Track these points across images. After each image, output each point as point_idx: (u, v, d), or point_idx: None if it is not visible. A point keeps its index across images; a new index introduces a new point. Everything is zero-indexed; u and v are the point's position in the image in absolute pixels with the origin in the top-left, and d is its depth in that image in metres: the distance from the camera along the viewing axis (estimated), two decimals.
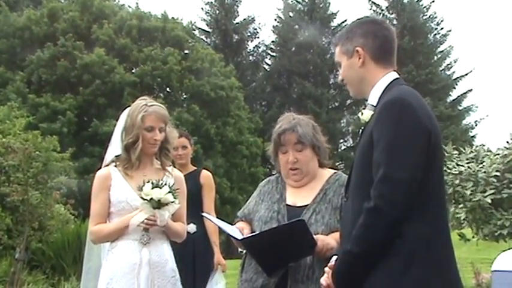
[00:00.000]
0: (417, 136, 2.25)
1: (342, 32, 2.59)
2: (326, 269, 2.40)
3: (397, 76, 2.48)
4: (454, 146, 9.96)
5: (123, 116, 3.55)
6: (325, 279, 2.38)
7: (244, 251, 3.19)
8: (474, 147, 9.83)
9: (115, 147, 3.54)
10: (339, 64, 2.56)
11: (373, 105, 2.43)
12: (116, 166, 3.47)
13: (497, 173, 8.82)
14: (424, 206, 2.25)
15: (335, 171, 3.29)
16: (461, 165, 9.13)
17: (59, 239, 11.21)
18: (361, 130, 2.49)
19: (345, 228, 2.40)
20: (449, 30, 35.97)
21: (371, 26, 2.52)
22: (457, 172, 9.00)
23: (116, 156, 3.49)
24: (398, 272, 2.21)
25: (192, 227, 4.76)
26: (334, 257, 2.40)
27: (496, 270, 4.96)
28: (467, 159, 9.33)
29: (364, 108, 2.47)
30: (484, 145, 10.12)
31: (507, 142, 9.55)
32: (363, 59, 2.46)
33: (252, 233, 3.08)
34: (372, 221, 2.21)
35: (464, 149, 9.73)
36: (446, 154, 9.20)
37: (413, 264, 2.22)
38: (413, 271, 2.21)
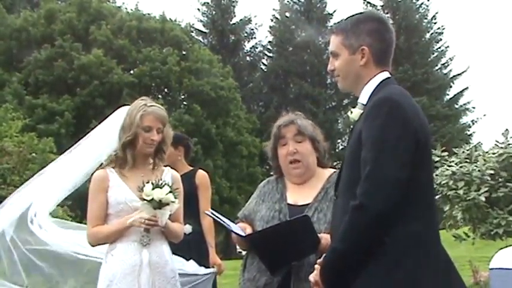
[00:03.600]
0: (405, 135, 2.25)
1: (346, 23, 2.53)
2: (316, 265, 2.41)
3: (389, 75, 2.48)
4: (444, 148, 9.97)
5: (118, 115, 3.55)
6: (313, 276, 2.39)
7: (244, 252, 3.19)
8: (467, 147, 9.84)
9: (106, 145, 3.55)
10: (334, 53, 2.52)
11: (363, 104, 2.43)
12: (113, 167, 3.46)
13: (492, 171, 8.85)
14: (415, 204, 2.26)
15: (335, 170, 3.30)
16: (452, 166, 9.15)
17: None
18: (350, 129, 2.50)
19: (335, 227, 2.40)
20: (444, 28, 36.00)
21: (378, 25, 2.49)
22: (450, 173, 9.02)
23: (115, 154, 3.49)
24: (387, 271, 2.22)
25: (188, 228, 4.74)
26: (324, 255, 2.41)
27: (494, 268, 4.95)
28: (459, 160, 9.35)
29: (354, 108, 2.47)
30: (481, 144, 10.14)
31: (496, 141, 9.58)
32: (366, 59, 2.45)
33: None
34: (357, 218, 2.21)
35: (457, 152, 9.75)
36: (437, 158, 9.23)
37: (403, 263, 2.22)
38: (403, 270, 2.22)
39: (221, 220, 3.13)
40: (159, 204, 3.25)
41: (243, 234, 3.01)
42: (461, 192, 8.83)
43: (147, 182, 3.25)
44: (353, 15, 2.56)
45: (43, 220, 3.70)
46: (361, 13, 2.59)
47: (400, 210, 2.20)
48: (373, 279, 2.22)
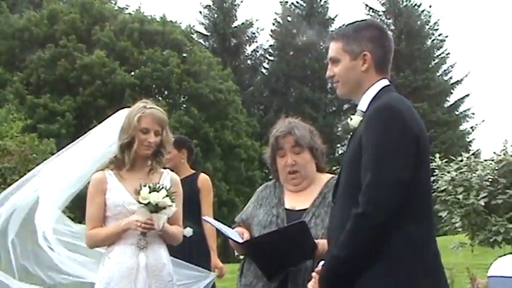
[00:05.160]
0: (405, 141, 2.27)
1: (346, 30, 2.54)
2: (313, 274, 2.40)
3: (388, 83, 2.50)
4: (442, 154, 9.97)
5: (118, 117, 3.55)
6: (312, 284, 2.38)
7: (242, 256, 3.18)
8: (465, 156, 9.84)
9: (105, 147, 3.55)
10: (334, 59, 2.52)
11: (362, 111, 2.44)
12: (112, 170, 3.46)
13: (491, 178, 8.85)
14: (415, 206, 2.28)
15: (333, 175, 3.29)
16: (452, 172, 9.15)
17: None
18: (350, 135, 2.50)
19: (333, 233, 2.40)
20: (446, 36, 36.10)
21: (378, 33, 2.52)
22: (449, 179, 9.03)
23: (114, 157, 3.48)
24: (388, 272, 2.22)
25: (189, 231, 4.74)
26: (322, 262, 2.40)
27: (492, 276, 4.94)
28: (458, 167, 9.35)
29: (353, 114, 2.48)
30: (479, 152, 10.15)
31: (494, 152, 9.60)
32: (368, 65, 2.46)
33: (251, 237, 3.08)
34: (360, 225, 2.22)
35: (455, 158, 9.75)
36: (435, 165, 9.25)
37: (404, 263, 2.23)
38: (403, 270, 2.23)
39: (218, 227, 3.12)
40: (156, 208, 3.24)
41: (240, 240, 3.00)
42: (460, 197, 8.83)
43: (144, 185, 3.24)
44: (353, 23, 2.57)
45: (52, 239, 3.65)
46: (360, 21, 2.59)
47: (401, 211, 2.22)
48: (373, 280, 2.23)
